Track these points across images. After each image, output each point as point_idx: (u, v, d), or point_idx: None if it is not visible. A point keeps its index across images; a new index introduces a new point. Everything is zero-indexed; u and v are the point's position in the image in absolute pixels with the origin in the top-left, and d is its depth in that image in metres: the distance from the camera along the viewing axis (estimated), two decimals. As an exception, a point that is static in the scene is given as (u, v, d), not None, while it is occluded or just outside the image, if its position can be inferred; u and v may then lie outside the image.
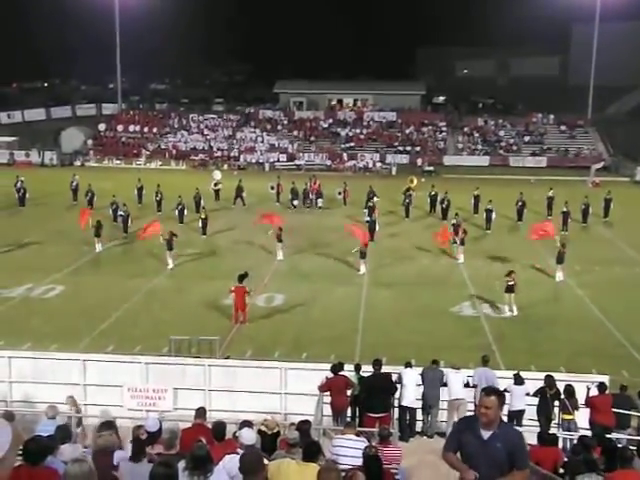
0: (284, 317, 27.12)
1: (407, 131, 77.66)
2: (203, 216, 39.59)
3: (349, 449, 10.72)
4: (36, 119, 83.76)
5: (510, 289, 27.61)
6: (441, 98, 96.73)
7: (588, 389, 16.31)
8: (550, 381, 16.33)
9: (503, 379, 16.53)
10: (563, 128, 77.39)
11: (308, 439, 9.87)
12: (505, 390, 14.38)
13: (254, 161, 71.29)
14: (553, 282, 31.86)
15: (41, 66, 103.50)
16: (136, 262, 34.50)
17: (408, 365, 17.21)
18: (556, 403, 16.32)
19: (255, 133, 77.29)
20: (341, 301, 29.07)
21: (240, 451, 8.29)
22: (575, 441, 13.08)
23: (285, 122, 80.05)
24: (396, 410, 16.96)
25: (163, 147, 75.30)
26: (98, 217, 37.27)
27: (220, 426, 10.36)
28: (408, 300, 29.23)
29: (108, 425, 10.91)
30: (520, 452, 6.96)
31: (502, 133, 77.24)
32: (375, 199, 44.01)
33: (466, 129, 78.08)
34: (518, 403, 16.29)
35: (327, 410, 16.24)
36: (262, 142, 75.45)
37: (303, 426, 11.03)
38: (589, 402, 16.04)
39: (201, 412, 12.14)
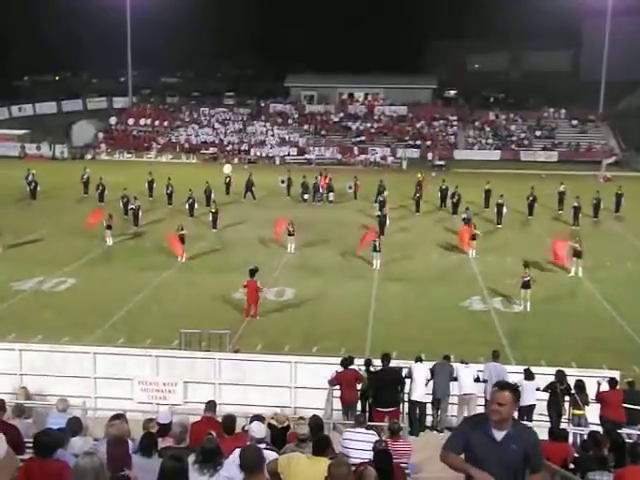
0: (294, 311, 27.12)
1: (418, 125, 77.53)
2: (213, 210, 39.62)
3: (359, 443, 10.72)
4: (47, 112, 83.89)
5: (526, 285, 27.46)
6: (452, 92, 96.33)
7: (599, 384, 16.25)
8: (561, 376, 16.29)
9: (513, 374, 16.50)
10: (574, 122, 77.09)
11: (319, 433, 9.86)
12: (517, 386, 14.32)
13: (264, 155, 71.30)
14: (563, 277, 31.76)
15: (52, 59, 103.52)
16: (147, 255, 34.55)
17: (418, 359, 17.19)
18: (566, 398, 16.28)
19: (266, 127, 77.29)
20: (351, 295, 29.03)
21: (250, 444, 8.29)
22: (585, 437, 13.03)
23: (296, 116, 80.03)
24: (406, 404, 16.96)
25: (174, 140, 75.39)
26: (109, 210, 37.35)
27: (230, 419, 10.35)
28: (418, 294, 29.19)
29: (118, 417, 10.94)
30: (537, 453, 6.34)
31: (513, 127, 77.04)
32: (385, 193, 43.99)
33: (477, 123, 77.90)
34: (529, 398, 16.25)
35: (337, 404, 16.25)
36: (273, 136, 75.46)
37: (316, 421, 11.03)
38: (600, 397, 15.99)
39: (211, 405, 12.15)
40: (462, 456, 6.37)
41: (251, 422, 10.57)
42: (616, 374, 16.86)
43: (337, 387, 16.18)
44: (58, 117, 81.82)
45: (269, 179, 51.71)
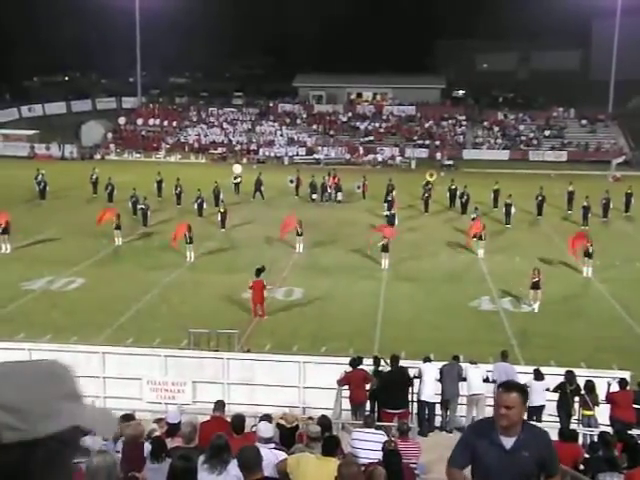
0: (303, 311, 27.12)
1: (426, 125, 77.41)
2: (222, 210, 39.66)
3: (368, 443, 10.70)
4: (56, 113, 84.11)
5: (535, 286, 27.38)
6: (461, 92, 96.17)
7: (609, 385, 16.20)
8: (570, 377, 16.24)
9: (523, 374, 16.47)
10: (584, 122, 76.81)
11: (328, 432, 9.85)
12: (525, 386, 14.29)
13: (273, 155, 71.32)
14: (573, 277, 31.67)
15: (62, 60, 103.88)
16: (155, 255, 34.58)
17: (427, 360, 17.16)
18: (576, 399, 16.24)
19: (274, 127, 77.31)
20: (360, 295, 29.00)
21: (258, 444, 8.29)
22: (595, 437, 12.99)
23: (304, 116, 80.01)
24: (415, 405, 16.93)
25: (183, 141, 75.48)
26: (118, 210, 37.44)
27: (239, 419, 10.36)
28: (427, 294, 29.15)
29: (127, 418, 10.95)
30: (552, 458, 5.58)
31: (522, 127, 76.83)
32: (393, 193, 43.95)
33: (486, 123, 77.74)
34: (538, 399, 16.22)
35: (346, 404, 16.23)
36: (281, 136, 75.46)
37: (324, 421, 11.02)
38: (610, 398, 15.94)
39: (220, 405, 12.17)
40: (468, 470, 5.67)
41: (260, 422, 10.59)
42: (626, 374, 16.81)
43: (346, 387, 16.17)
44: (67, 117, 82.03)
45: (278, 179, 51.69)
